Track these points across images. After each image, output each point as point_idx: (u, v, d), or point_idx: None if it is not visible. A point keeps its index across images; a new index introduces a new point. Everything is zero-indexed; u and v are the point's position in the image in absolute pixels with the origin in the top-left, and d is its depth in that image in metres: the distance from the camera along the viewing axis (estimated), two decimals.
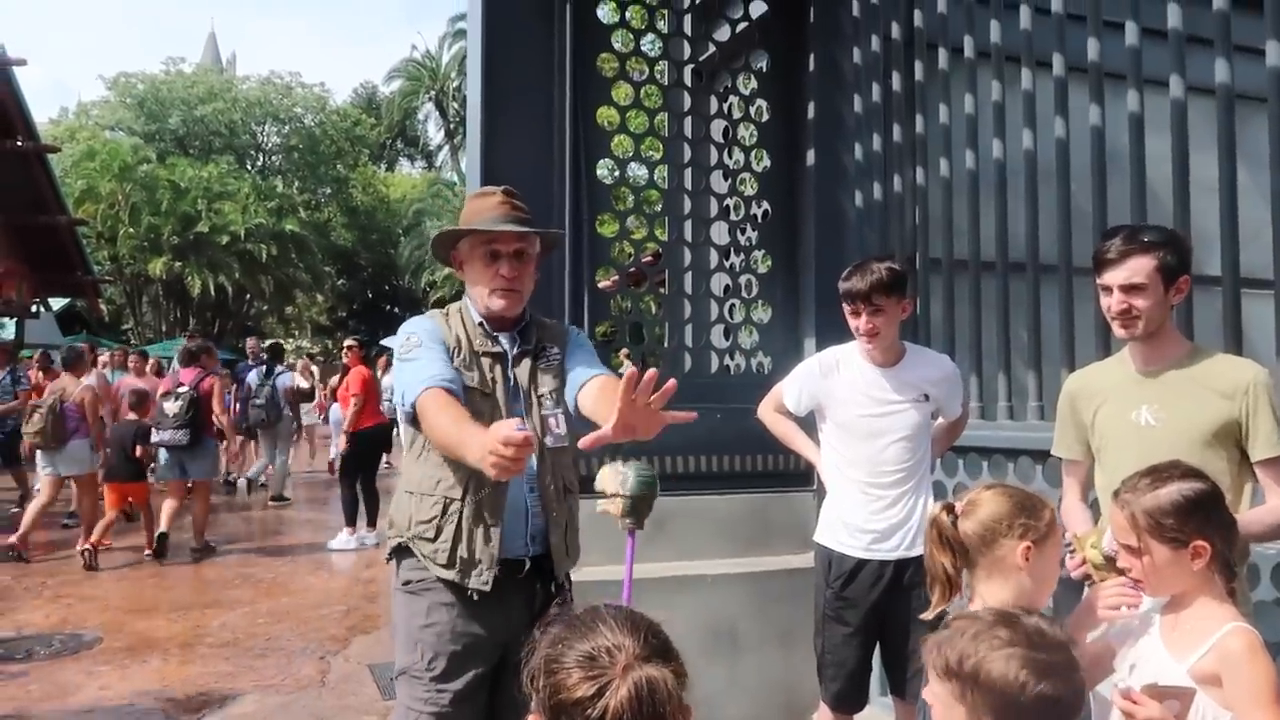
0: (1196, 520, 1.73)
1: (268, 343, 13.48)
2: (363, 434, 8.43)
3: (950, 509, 1.98)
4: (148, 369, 10.99)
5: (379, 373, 10.96)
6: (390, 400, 8.39)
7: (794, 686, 4.09)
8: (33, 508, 7.92)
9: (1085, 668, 1.77)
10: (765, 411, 3.40)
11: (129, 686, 4.68)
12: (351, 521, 8.45)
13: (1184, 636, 1.75)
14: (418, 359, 2.26)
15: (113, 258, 26.30)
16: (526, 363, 2.39)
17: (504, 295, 2.34)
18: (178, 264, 26.65)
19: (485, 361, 2.34)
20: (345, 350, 9.26)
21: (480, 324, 2.39)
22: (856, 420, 3.07)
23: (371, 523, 8.52)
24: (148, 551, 7.78)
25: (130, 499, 8.04)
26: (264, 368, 10.88)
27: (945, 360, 3.27)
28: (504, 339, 2.39)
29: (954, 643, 1.44)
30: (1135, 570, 1.80)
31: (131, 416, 8.07)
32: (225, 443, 9.50)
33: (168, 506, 7.86)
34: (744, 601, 4.08)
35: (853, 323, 3.03)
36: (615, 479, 1.85)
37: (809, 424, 3.38)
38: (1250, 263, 3.02)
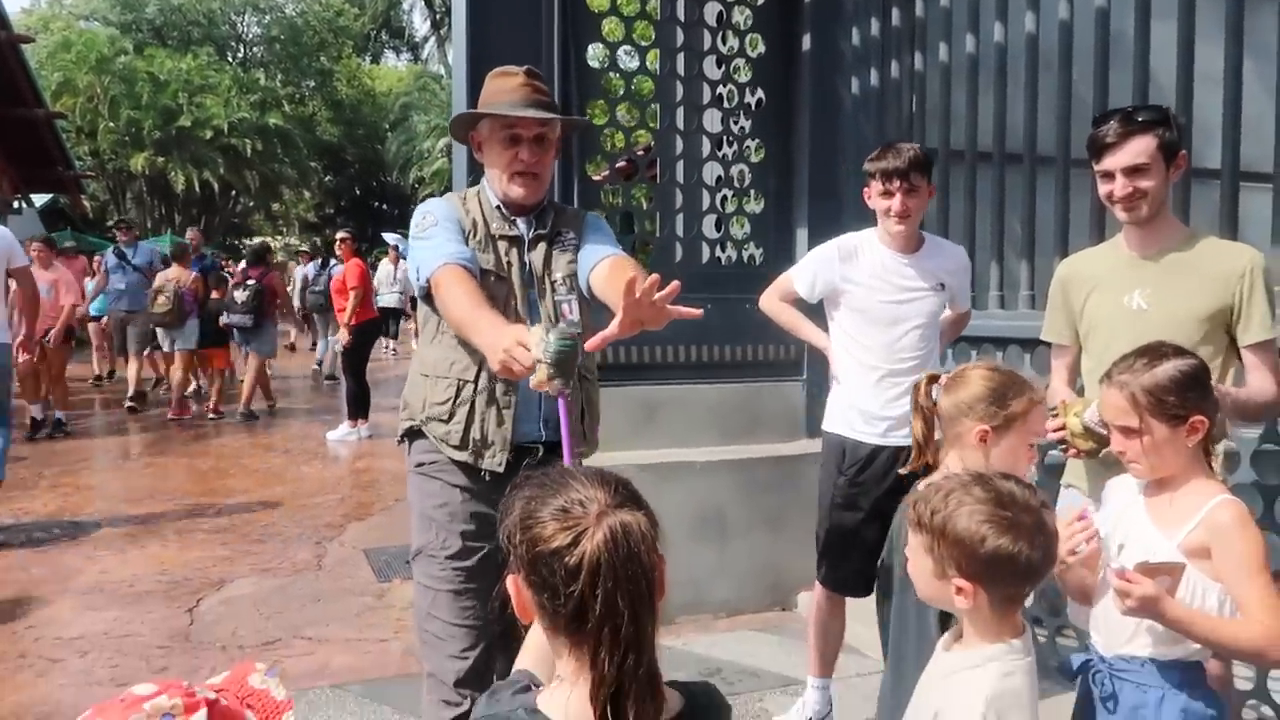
0: (1194, 395, 1.76)
1: (255, 241, 13.80)
2: (359, 327, 8.51)
3: (935, 379, 2.10)
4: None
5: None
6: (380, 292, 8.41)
7: (781, 569, 4.21)
8: (175, 381, 9.75)
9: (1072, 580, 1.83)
10: (770, 301, 3.32)
11: (129, 570, 4.78)
12: (354, 415, 8.59)
13: (1172, 512, 1.78)
14: (433, 238, 2.24)
15: (94, 153, 25.77)
16: (542, 247, 2.35)
17: (523, 182, 2.30)
18: (160, 159, 26.16)
19: (502, 245, 2.31)
20: (338, 243, 9.27)
21: (498, 207, 2.35)
22: (878, 306, 3.01)
23: (364, 416, 8.61)
24: (211, 414, 9.65)
25: (217, 363, 10.02)
26: (320, 261, 12.81)
27: (961, 251, 3.23)
28: (521, 223, 2.35)
29: (929, 498, 1.52)
30: (1130, 452, 1.81)
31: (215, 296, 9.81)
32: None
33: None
34: (732, 488, 4.16)
35: (883, 204, 2.95)
36: (539, 345, 1.86)
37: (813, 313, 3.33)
38: (1249, 155, 2.99)
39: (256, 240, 15.12)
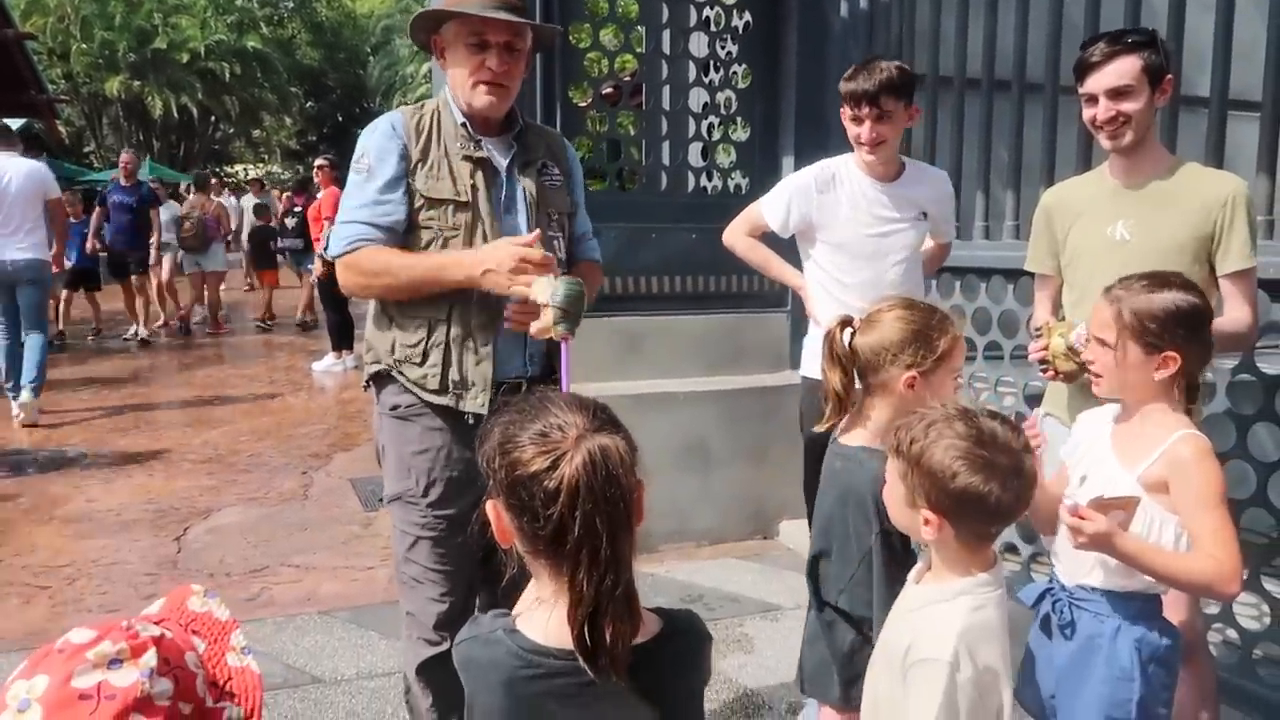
0: (1179, 333, 1.73)
1: (240, 170, 13.88)
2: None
3: (848, 323, 1.98)
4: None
5: None
6: None
7: (762, 498, 4.26)
8: (188, 299, 11.12)
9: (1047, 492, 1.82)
10: (736, 236, 3.10)
11: (115, 499, 4.80)
12: (338, 346, 8.54)
13: (1134, 445, 1.76)
14: (359, 189, 2.14)
15: (66, 75, 25.12)
16: (532, 175, 2.22)
17: (490, 90, 2.13)
18: (136, 83, 25.55)
19: (465, 168, 2.14)
20: (316, 170, 9.03)
21: (463, 125, 2.18)
22: (860, 239, 2.81)
23: (349, 346, 8.57)
24: (259, 322, 11.44)
25: (267, 280, 11.87)
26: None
27: (943, 177, 3.02)
28: (491, 144, 2.20)
29: (910, 426, 1.51)
30: (1098, 364, 1.82)
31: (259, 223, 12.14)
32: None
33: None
34: (715, 418, 4.18)
35: (853, 130, 2.74)
36: (546, 290, 1.89)
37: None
38: (1240, 84, 2.95)
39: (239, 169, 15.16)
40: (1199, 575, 1.64)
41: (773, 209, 2.93)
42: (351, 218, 2.14)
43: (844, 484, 1.94)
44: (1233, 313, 2.24)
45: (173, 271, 10.99)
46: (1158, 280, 1.78)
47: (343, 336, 8.56)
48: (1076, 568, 1.78)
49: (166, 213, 10.79)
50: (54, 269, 6.73)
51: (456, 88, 2.19)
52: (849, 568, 1.91)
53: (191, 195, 11.03)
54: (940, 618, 1.49)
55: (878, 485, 1.72)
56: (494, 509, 1.19)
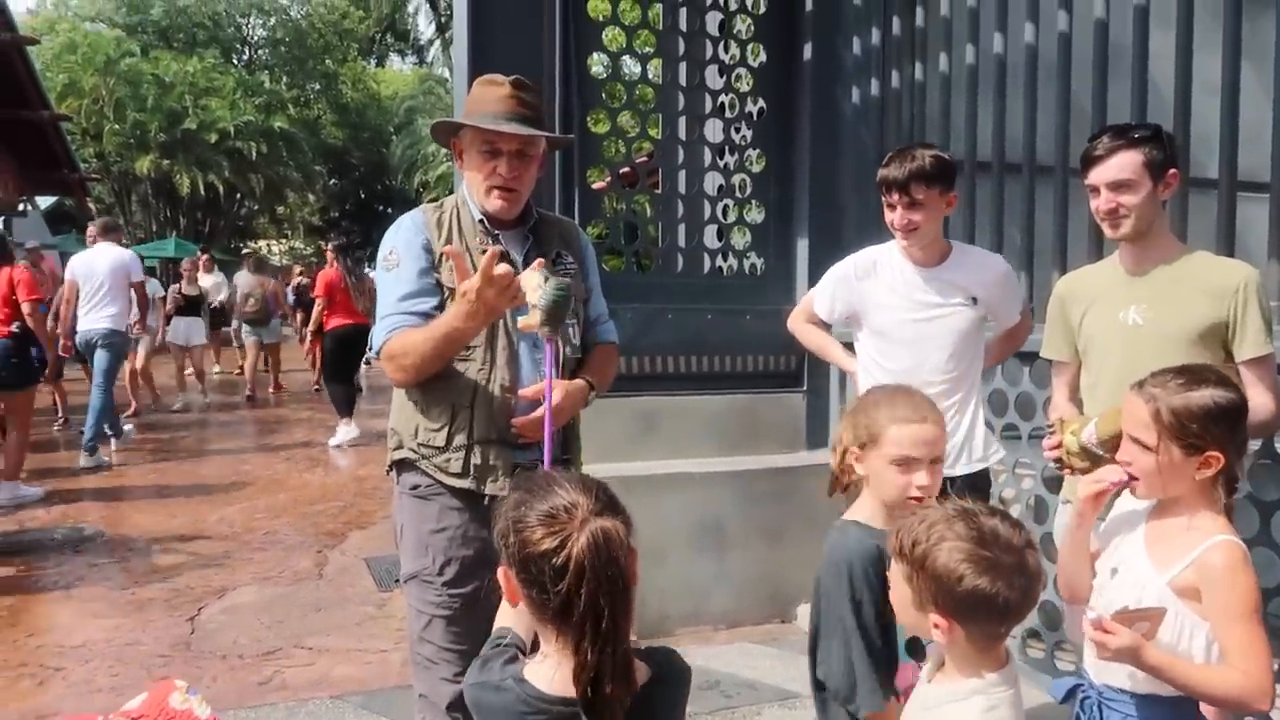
0: (1220, 430, 1.68)
1: (263, 246, 14.44)
2: (331, 334, 8.71)
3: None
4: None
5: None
6: None
7: (780, 581, 4.20)
8: (249, 366, 11.85)
9: (1067, 573, 1.81)
10: (796, 322, 3.17)
11: (130, 578, 4.79)
12: (346, 413, 8.66)
13: (1169, 547, 1.72)
14: (390, 285, 2.23)
15: (99, 155, 25.80)
16: (573, 301, 2.26)
17: (501, 196, 2.23)
18: (165, 162, 26.17)
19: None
20: (326, 251, 9.50)
21: (480, 221, 2.28)
22: (897, 325, 2.81)
23: (349, 414, 8.72)
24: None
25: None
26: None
27: (997, 260, 2.94)
28: (507, 238, 2.28)
29: (912, 528, 1.49)
30: (1137, 466, 1.74)
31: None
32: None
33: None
34: (732, 499, 4.15)
35: (888, 215, 2.75)
36: (535, 292, 1.95)
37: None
38: (1248, 165, 2.98)
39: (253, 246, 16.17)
40: (1225, 689, 1.60)
41: (820, 297, 3.02)
42: (389, 311, 2.22)
43: (827, 555, 1.96)
44: (1255, 399, 2.22)
45: (148, 357, 10.12)
46: (1195, 376, 1.72)
47: (346, 405, 8.72)
48: (1104, 666, 1.74)
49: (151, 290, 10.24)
50: (140, 330, 8.51)
51: (472, 189, 2.30)
52: (829, 639, 1.90)
53: (249, 274, 12.06)
54: (953, 718, 1.47)
55: (855, 554, 1.80)
56: (505, 575, 1.34)
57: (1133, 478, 1.76)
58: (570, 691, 1.24)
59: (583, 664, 1.22)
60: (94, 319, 7.65)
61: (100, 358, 7.67)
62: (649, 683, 1.33)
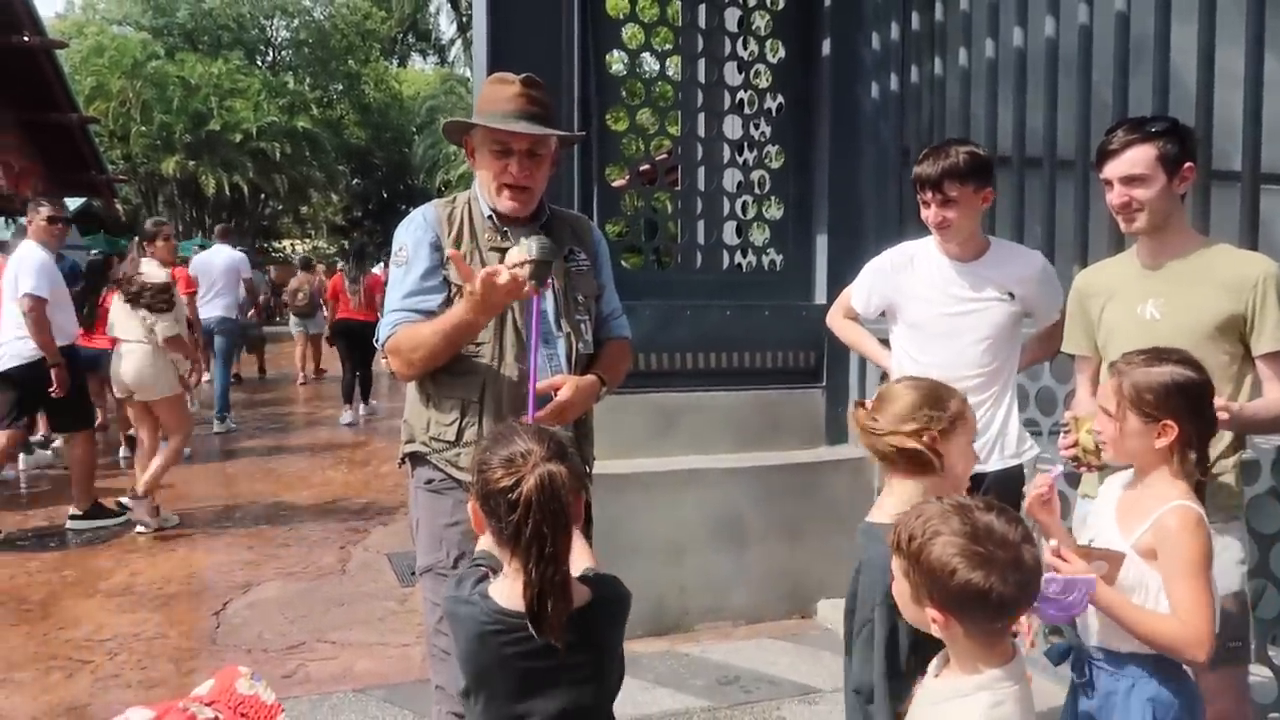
0: (1173, 403, 1.84)
1: (288, 246, 14.81)
2: (336, 326, 9.97)
3: (862, 404, 2.04)
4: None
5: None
6: None
7: (800, 577, 4.20)
8: (299, 354, 13.05)
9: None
10: (834, 318, 3.17)
11: (158, 572, 4.86)
12: (348, 400, 9.79)
13: (1134, 512, 1.86)
14: (400, 280, 2.26)
15: (126, 157, 26.12)
16: (559, 263, 2.29)
17: (512, 195, 2.24)
18: (191, 163, 26.48)
19: (494, 258, 2.23)
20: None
21: (490, 217, 2.29)
22: (933, 319, 2.79)
23: (365, 399, 10.12)
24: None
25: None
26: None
27: (1036, 256, 2.91)
28: (517, 234, 2.27)
29: (909, 523, 1.50)
30: (1105, 433, 1.94)
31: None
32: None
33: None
34: (751, 495, 4.16)
35: (923, 213, 2.74)
36: (522, 251, 2.04)
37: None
38: (1272, 158, 2.95)
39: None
40: (1167, 636, 1.74)
41: (857, 292, 3.02)
42: (395, 307, 2.25)
43: (862, 558, 1.95)
44: (1273, 394, 2.21)
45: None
46: (1158, 355, 1.91)
47: (363, 389, 9.97)
48: (1093, 628, 1.86)
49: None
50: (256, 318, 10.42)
51: (484, 187, 2.31)
52: (859, 640, 1.91)
53: (300, 272, 13.36)
54: (958, 714, 1.47)
55: (889, 558, 1.73)
56: (473, 506, 1.60)
57: (1104, 443, 1.96)
58: (522, 606, 1.48)
59: (528, 582, 1.47)
60: (211, 309, 9.02)
61: (217, 342, 9.15)
62: (591, 603, 1.56)
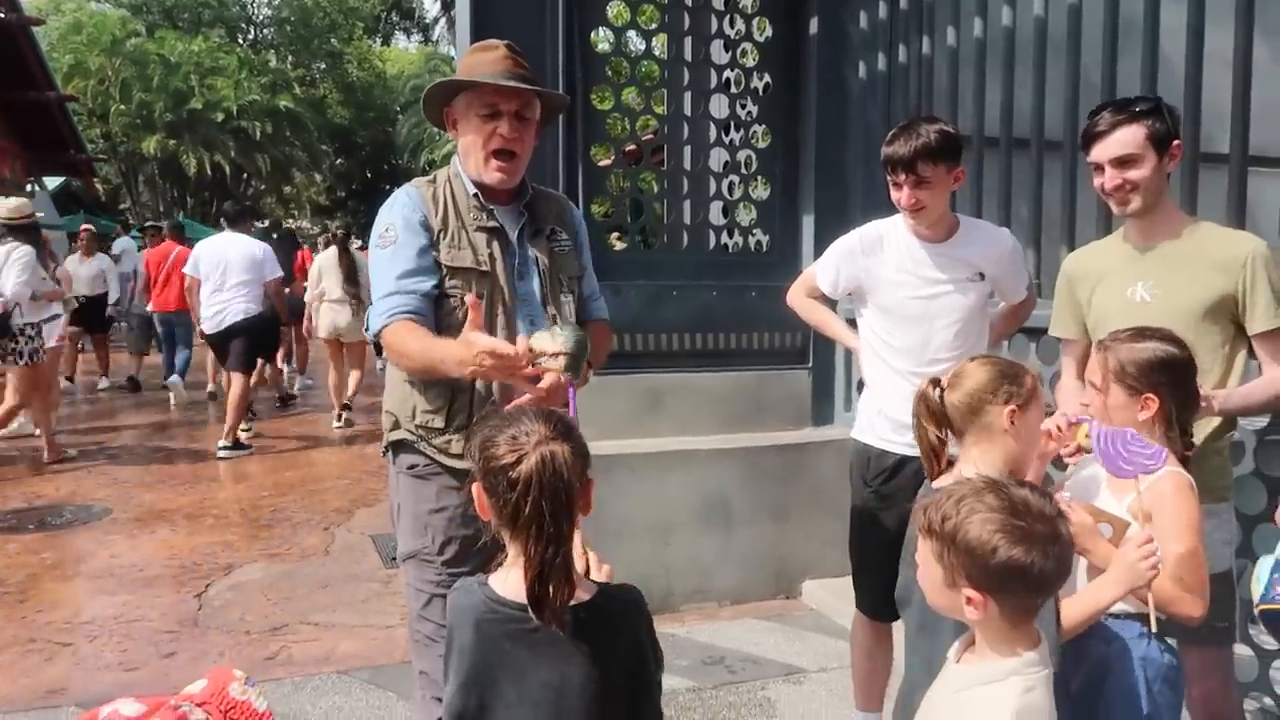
0: (1155, 378, 1.94)
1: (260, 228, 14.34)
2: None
3: (936, 383, 2.07)
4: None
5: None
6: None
7: (786, 558, 4.21)
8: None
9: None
10: (796, 297, 3.07)
11: (138, 555, 4.82)
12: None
13: (1125, 482, 1.89)
14: (388, 262, 2.16)
15: (105, 135, 25.82)
16: (542, 243, 2.27)
17: (500, 166, 2.19)
18: (172, 142, 26.16)
19: (480, 237, 2.19)
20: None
21: (475, 195, 2.23)
22: (904, 302, 2.73)
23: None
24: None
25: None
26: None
27: (1004, 235, 2.86)
28: (501, 213, 2.25)
29: (940, 504, 1.46)
30: (1092, 406, 2.03)
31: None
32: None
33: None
34: (737, 476, 4.15)
35: (894, 194, 2.66)
36: (553, 341, 1.97)
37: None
38: (1260, 140, 2.94)
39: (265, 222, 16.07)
40: (1161, 593, 1.76)
41: (823, 271, 2.91)
42: (386, 290, 2.17)
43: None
44: (1270, 372, 2.21)
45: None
46: (1144, 333, 2.01)
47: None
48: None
49: (86, 269, 10.62)
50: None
51: (468, 159, 2.25)
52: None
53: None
54: (991, 700, 1.42)
55: None
56: (477, 489, 1.54)
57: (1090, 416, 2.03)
58: (523, 597, 1.43)
59: (529, 562, 1.42)
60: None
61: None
62: (594, 600, 1.50)
